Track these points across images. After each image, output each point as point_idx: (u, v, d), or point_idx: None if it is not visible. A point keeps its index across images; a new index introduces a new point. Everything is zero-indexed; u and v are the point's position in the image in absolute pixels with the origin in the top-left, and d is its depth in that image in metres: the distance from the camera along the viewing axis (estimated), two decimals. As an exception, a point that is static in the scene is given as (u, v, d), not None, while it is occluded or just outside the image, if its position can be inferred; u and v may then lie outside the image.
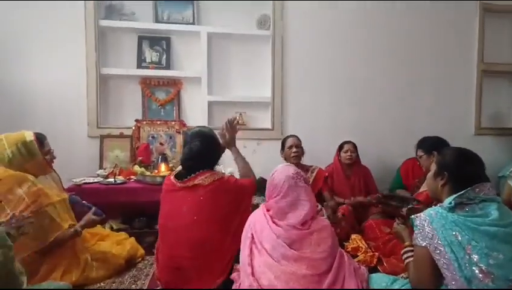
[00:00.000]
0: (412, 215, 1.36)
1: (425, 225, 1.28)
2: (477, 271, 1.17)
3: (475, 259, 1.18)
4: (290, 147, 2.79)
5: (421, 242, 1.28)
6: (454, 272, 1.19)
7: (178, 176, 1.80)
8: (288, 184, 1.55)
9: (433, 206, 1.36)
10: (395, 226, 1.68)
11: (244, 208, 1.76)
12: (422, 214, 1.32)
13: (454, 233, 1.22)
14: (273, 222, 1.52)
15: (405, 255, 1.50)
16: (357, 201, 2.78)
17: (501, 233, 1.22)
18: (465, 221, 1.24)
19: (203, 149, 1.79)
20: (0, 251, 1.09)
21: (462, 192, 1.29)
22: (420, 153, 2.59)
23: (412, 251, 1.47)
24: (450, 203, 1.29)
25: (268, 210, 1.58)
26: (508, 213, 1.32)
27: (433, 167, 1.46)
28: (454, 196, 1.30)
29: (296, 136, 2.86)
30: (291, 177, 1.57)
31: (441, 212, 1.29)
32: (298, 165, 2.75)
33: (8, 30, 2.89)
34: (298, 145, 2.79)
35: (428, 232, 1.27)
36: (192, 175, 1.74)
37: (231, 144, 2.05)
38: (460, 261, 1.19)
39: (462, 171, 1.37)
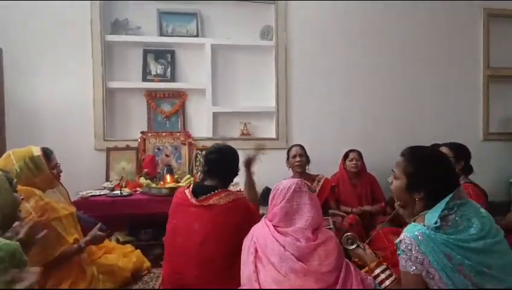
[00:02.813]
0: (396, 240, 1.26)
1: (412, 249, 1.16)
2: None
3: (468, 278, 1.13)
4: (294, 157, 2.80)
5: (411, 269, 1.17)
6: None
7: (194, 192, 1.76)
8: (294, 189, 1.55)
9: (414, 224, 1.24)
10: (351, 250, 1.52)
11: None
12: (405, 237, 1.19)
13: (445, 255, 1.14)
14: (279, 232, 1.47)
15: (379, 278, 1.36)
16: (364, 210, 2.75)
17: (488, 245, 1.17)
18: (454, 240, 1.16)
19: (230, 158, 1.87)
20: (13, 266, 1.09)
21: (444, 206, 1.20)
22: None
23: (384, 270, 1.38)
24: (436, 222, 1.18)
25: (270, 221, 1.55)
26: (485, 216, 1.25)
27: (402, 178, 1.31)
28: (438, 212, 1.19)
29: (299, 146, 2.86)
30: (296, 183, 1.58)
31: (428, 233, 1.17)
32: (303, 174, 2.75)
33: (16, 46, 2.96)
34: (302, 154, 2.80)
35: (418, 257, 1.16)
36: (208, 194, 1.72)
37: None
38: (455, 282, 1.13)
39: (439, 182, 1.24)
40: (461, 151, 2.36)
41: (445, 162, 1.32)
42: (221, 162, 1.83)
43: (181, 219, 1.74)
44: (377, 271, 1.39)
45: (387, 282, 1.34)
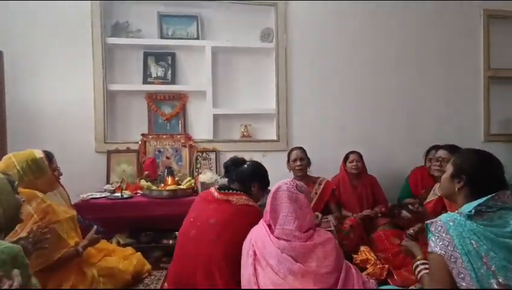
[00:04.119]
0: (427, 221, 1.31)
1: (442, 231, 1.22)
2: (494, 284, 1.12)
3: (492, 270, 1.14)
4: (294, 161, 2.78)
5: (436, 249, 1.22)
6: (470, 282, 1.14)
7: (219, 188, 1.92)
8: (277, 187, 1.58)
9: (448, 212, 1.30)
10: (403, 243, 1.62)
11: None
12: (438, 220, 1.25)
13: (472, 242, 1.17)
14: (275, 236, 1.49)
15: (418, 269, 1.43)
16: (364, 215, 2.71)
17: None
18: (484, 231, 1.19)
19: (255, 168, 2.05)
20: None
21: (483, 200, 1.24)
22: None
23: (423, 263, 1.41)
24: (470, 211, 1.22)
25: (265, 220, 1.56)
26: None
27: (450, 168, 1.40)
28: (475, 204, 1.23)
29: (300, 149, 2.84)
30: (285, 183, 1.61)
31: (459, 219, 1.22)
32: (304, 177, 2.74)
33: (17, 49, 2.96)
34: (302, 157, 2.78)
35: (444, 240, 1.21)
36: (231, 191, 1.86)
37: None
38: (477, 271, 1.15)
39: (480, 175, 1.32)
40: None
41: (492, 161, 1.37)
42: (234, 167, 2.01)
43: (198, 213, 1.83)
44: (419, 262, 1.44)
45: (422, 271, 1.40)
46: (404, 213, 2.41)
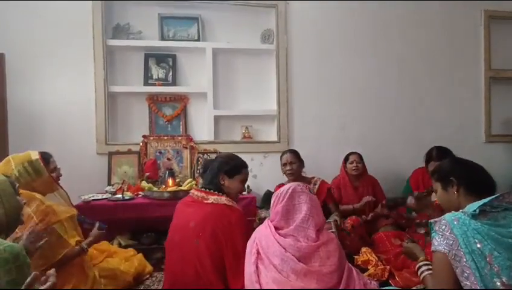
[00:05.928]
0: (431, 220, 1.31)
1: (446, 230, 1.22)
2: (498, 283, 1.12)
3: (496, 270, 1.13)
4: (284, 165, 2.72)
5: (440, 248, 1.22)
6: (474, 281, 1.14)
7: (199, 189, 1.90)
8: (293, 189, 1.60)
9: (453, 212, 1.30)
10: (404, 245, 1.62)
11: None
12: (442, 219, 1.25)
13: (476, 241, 1.17)
14: (280, 234, 1.50)
15: (420, 270, 1.42)
16: (365, 201, 2.73)
17: None
18: (488, 230, 1.18)
19: (217, 161, 1.95)
20: (16, 268, 1.10)
21: (488, 200, 1.23)
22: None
23: (426, 264, 1.41)
24: (475, 210, 1.22)
25: (272, 220, 1.57)
26: None
27: (438, 185, 1.43)
28: (480, 204, 1.23)
29: (291, 152, 2.75)
30: (298, 185, 1.64)
31: (463, 219, 1.22)
32: (297, 179, 2.67)
33: (18, 51, 2.98)
34: (293, 161, 2.69)
35: (448, 238, 1.20)
36: (211, 191, 1.80)
37: None
38: (481, 270, 1.14)
39: (463, 167, 1.39)
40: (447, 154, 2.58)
41: (457, 157, 1.44)
42: (206, 167, 1.97)
43: (179, 219, 1.81)
44: (421, 263, 1.45)
45: (425, 272, 1.40)
46: (410, 199, 2.40)
